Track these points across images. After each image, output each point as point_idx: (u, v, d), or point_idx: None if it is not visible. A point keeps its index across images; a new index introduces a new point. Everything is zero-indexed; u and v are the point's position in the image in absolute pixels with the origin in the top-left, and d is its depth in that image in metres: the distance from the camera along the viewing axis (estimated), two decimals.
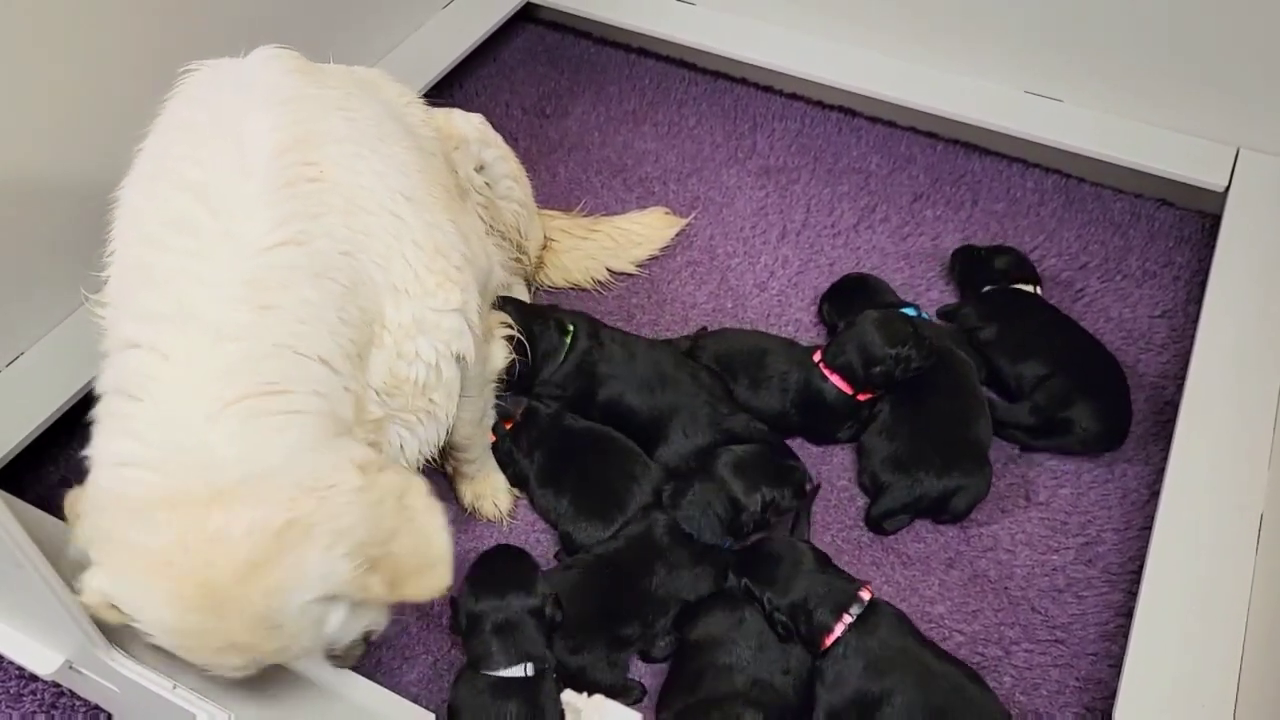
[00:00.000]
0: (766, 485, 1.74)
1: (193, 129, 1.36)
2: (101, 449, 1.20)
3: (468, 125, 1.88)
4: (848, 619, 1.59)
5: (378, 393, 1.38)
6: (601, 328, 1.99)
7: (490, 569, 1.65)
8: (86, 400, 1.92)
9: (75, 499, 1.26)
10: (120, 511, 1.13)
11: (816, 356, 1.96)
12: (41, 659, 1.48)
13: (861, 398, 1.93)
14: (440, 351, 1.42)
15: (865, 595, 1.62)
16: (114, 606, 1.19)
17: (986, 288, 2.15)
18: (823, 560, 1.68)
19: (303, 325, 1.24)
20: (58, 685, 1.66)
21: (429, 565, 1.27)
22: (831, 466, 1.97)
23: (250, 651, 1.17)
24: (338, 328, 1.29)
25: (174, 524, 1.10)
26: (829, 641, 1.59)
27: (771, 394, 1.96)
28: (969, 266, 2.21)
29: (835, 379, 1.92)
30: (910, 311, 2.06)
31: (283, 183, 1.28)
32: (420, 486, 1.29)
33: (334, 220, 1.31)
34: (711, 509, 1.73)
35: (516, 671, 1.54)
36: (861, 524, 1.89)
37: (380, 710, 1.48)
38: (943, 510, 1.84)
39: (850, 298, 2.14)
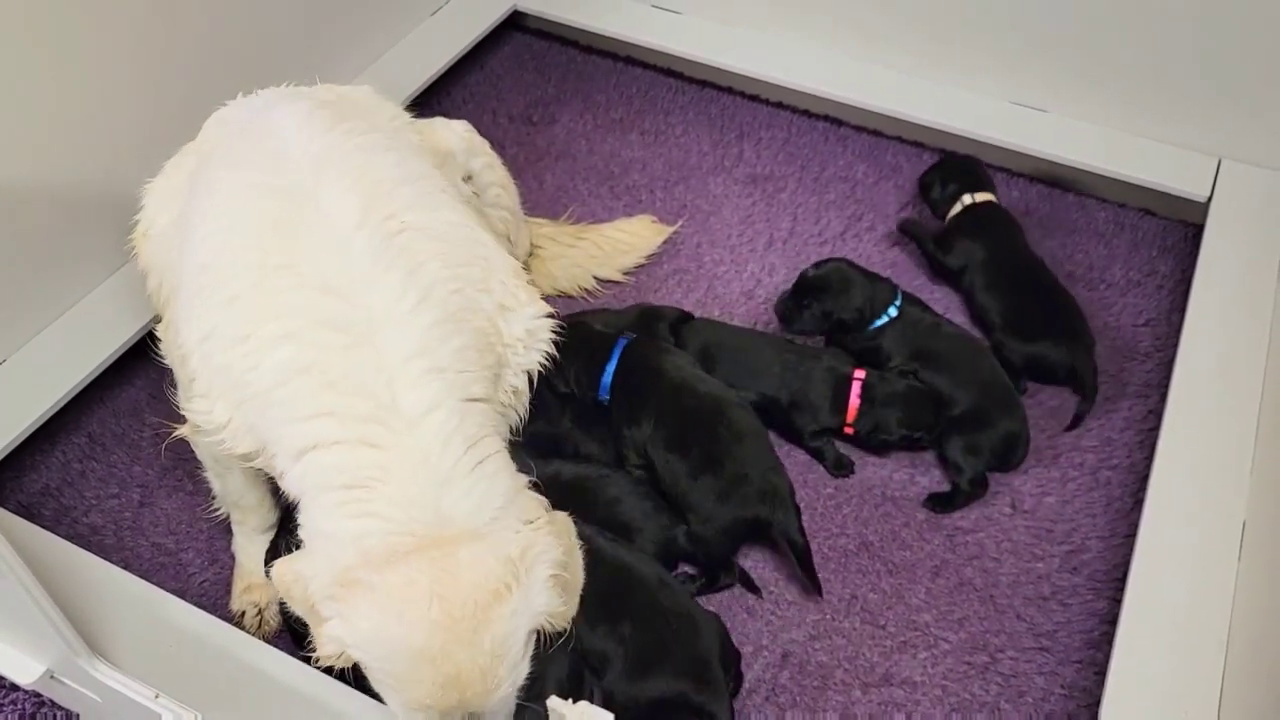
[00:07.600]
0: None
1: (261, 203, 1.37)
2: (335, 532, 1.22)
3: (452, 135, 1.86)
4: None
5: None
6: None
7: None
8: (69, 408, 1.94)
9: (287, 572, 1.24)
10: (365, 565, 1.17)
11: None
12: (22, 668, 1.47)
13: (848, 430, 1.94)
14: (539, 357, 1.49)
15: None
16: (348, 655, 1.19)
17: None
18: None
19: (468, 374, 1.31)
20: (38, 695, 1.64)
21: (577, 584, 1.31)
22: (819, 474, 1.97)
23: (468, 688, 1.17)
24: (488, 361, 1.37)
25: (423, 563, 1.16)
26: None
27: (768, 381, 1.96)
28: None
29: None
30: None
31: (382, 247, 1.32)
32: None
33: (435, 265, 1.36)
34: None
35: None
36: (847, 533, 1.89)
37: (353, 713, 1.47)
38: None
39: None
